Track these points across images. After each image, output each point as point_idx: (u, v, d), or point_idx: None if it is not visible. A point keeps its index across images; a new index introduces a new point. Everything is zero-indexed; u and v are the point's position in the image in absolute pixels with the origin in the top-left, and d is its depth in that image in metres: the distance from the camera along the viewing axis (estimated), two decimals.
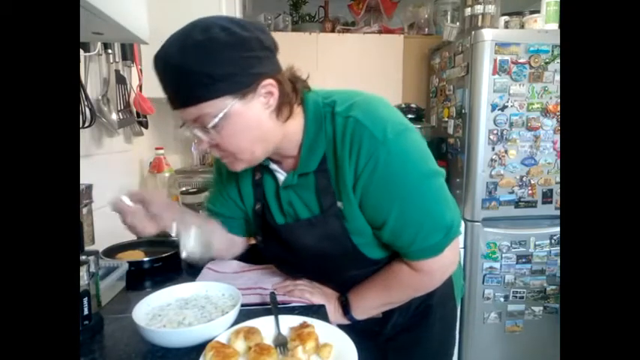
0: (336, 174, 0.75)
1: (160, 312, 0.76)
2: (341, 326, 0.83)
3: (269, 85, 0.68)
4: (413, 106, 2.27)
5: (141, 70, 1.42)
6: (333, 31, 2.55)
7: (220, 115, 0.65)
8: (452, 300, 0.98)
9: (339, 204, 0.76)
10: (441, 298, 0.92)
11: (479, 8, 1.98)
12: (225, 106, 0.65)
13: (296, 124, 0.75)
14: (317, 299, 0.87)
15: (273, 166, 0.82)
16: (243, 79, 0.65)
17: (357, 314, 0.87)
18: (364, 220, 0.77)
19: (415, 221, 0.73)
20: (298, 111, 0.76)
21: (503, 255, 1.93)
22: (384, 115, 0.73)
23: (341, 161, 0.73)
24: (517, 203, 1.92)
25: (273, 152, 0.76)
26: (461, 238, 1.93)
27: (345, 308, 0.87)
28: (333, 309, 0.87)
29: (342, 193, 0.75)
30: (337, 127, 0.73)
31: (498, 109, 1.85)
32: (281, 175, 0.82)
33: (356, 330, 0.81)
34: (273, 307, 0.77)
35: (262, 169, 0.84)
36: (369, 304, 0.86)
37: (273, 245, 0.88)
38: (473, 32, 1.86)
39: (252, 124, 0.68)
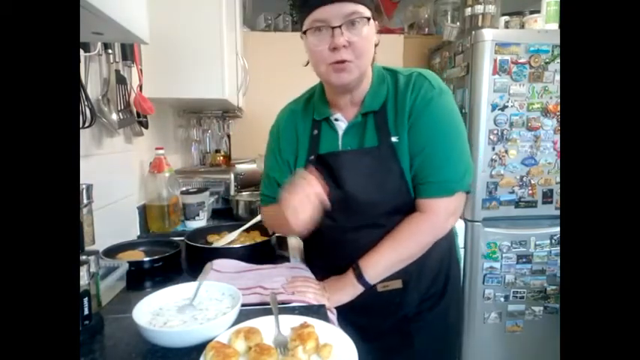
0: (395, 113, 0.90)
1: (160, 312, 0.76)
2: (363, 303, 0.90)
3: (375, 25, 0.88)
4: None
5: (141, 70, 1.41)
6: None
7: (369, 15, 0.84)
8: (460, 284, 1.08)
9: (394, 138, 0.90)
10: (453, 284, 1.03)
11: (479, 8, 1.98)
12: (369, 13, 0.84)
13: (369, 74, 0.93)
14: (320, 299, 0.87)
15: (337, 115, 0.96)
16: (373, 8, 0.87)
17: (370, 276, 0.90)
18: (409, 153, 0.90)
19: (444, 155, 0.88)
20: (369, 68, 0.93)
21: (504, 255, 1.93)
22: (439, 79, 0.93)
23: (401, 101, 0.90)
24: (517, 203, 1.92)
25: (355, 86, 0.91)
26: (461, 238, 1.93)
27: (358, 274, 0.90)
28: (347, 282, 0.91)
29: (399, 128, 0.90)
30: (400, 80, 0.92)
31: (498, 109, 1.85)
32: (342, 124, 0.95)
33: (378, 306, 0.94)
34: (273, 307, 0.78)
35: (321, 124, 0.98)
36: (380, 262, 0.90)
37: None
38: (473, 32, 1.86)
39: (372, 41, 0.87)
